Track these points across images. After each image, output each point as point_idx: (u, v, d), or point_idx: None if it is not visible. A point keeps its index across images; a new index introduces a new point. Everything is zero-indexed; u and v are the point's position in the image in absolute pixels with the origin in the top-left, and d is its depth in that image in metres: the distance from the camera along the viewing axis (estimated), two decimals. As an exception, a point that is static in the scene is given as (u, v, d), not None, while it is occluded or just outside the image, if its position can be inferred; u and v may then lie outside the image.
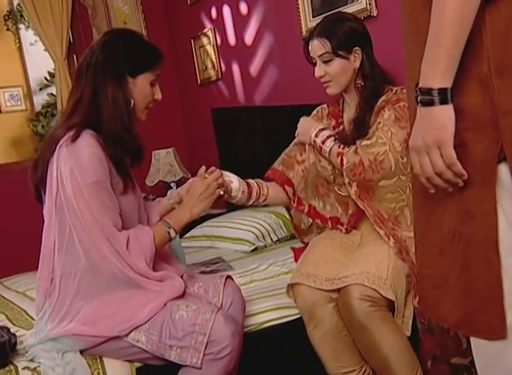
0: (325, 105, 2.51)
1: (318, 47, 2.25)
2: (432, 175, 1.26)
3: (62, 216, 1.90)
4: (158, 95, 2.05)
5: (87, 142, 1.87)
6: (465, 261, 1.28)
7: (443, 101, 1.21)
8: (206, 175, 2.15)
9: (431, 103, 1.22)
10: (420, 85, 1.24)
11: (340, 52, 2.22)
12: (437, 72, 1.20)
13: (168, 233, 2.02)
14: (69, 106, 1.98)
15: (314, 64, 2.30)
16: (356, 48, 2.24)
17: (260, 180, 2.45)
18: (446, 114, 1.21)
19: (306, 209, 2.48)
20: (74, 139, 1.87)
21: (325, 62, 2.25)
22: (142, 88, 1.99)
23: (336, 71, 2.25)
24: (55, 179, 1.89)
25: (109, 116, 1.92)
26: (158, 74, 2.03)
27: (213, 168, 2.21)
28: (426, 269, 1.39)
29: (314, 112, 2.53)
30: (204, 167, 2.20)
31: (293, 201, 2.48)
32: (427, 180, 1.29)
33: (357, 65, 2.25)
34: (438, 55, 1.20)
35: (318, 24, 2.30)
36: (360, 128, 2.24)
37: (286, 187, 2.46)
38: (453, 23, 1.17)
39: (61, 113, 2.02)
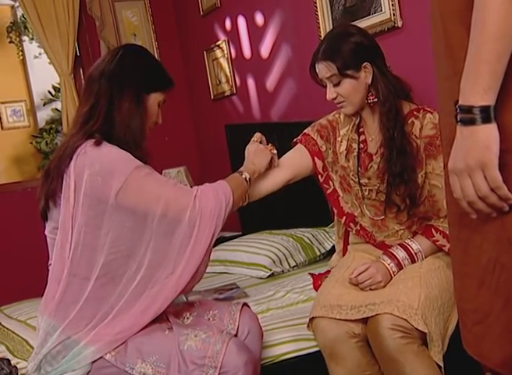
0: (336, 117, 2.47)
1: (324, 70, 2.23)
2: (474, 199, 1.24)
3: (83, 225, 1.88)
4: (160, 119, 2.13)
5: (112, 147, 1.92)
6: (508, 294, 1.26)
7: (486, 120, 1.19)
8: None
9: (472, 122, 1.20)
10: (460, 103, 1.22)
11: (348, 72, 2.20)
12: (479, 89, 1.19)
13: (241, 175, 2.18)
14: (84, 112, 2.00)
15: (325, 85, 2.29)
16: (365, 63, 2.20)
17: None
18: (489, 134, 1.19)
19: (330, 191, 2.45)
20: (98, 144, 1.90)
21: (335, 85, 2.24)
22: (151, 107, 2.05)
23: (347, 92, 2.23)
24: (72, 191, 1.89)
25: (122, 128, 1.96)
26: (165, 99, 2.11)
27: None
28: (465, 303, 1.37)
29: (324, 121, 2.49)
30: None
31: (321, 176, 2.44)
32: (468, 204, 1.26)
33: (369, 80, 2.22)
34: (479, 71, 1.19)
35: (320, 44, 2.28)
36: (398, 152, 2.20)
37: (316, 159, 2.42)
38: (496, 37, 1.16)
39: (73, 121, 2.07)
